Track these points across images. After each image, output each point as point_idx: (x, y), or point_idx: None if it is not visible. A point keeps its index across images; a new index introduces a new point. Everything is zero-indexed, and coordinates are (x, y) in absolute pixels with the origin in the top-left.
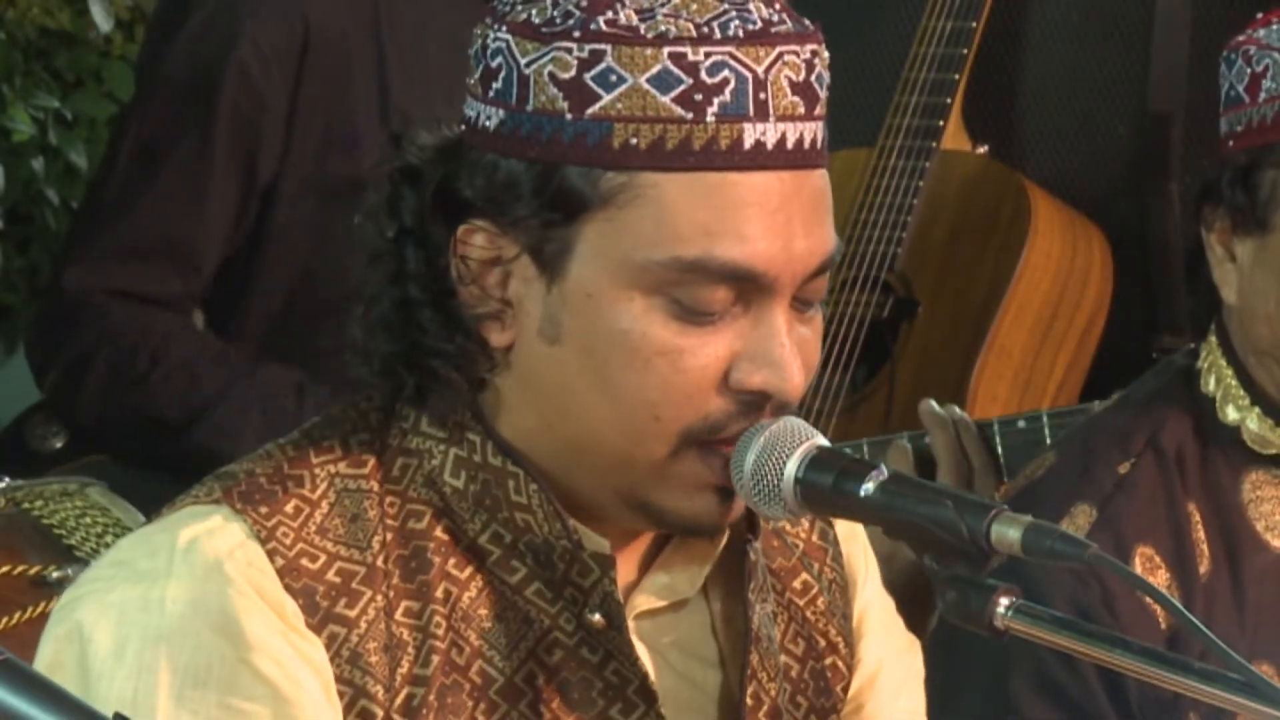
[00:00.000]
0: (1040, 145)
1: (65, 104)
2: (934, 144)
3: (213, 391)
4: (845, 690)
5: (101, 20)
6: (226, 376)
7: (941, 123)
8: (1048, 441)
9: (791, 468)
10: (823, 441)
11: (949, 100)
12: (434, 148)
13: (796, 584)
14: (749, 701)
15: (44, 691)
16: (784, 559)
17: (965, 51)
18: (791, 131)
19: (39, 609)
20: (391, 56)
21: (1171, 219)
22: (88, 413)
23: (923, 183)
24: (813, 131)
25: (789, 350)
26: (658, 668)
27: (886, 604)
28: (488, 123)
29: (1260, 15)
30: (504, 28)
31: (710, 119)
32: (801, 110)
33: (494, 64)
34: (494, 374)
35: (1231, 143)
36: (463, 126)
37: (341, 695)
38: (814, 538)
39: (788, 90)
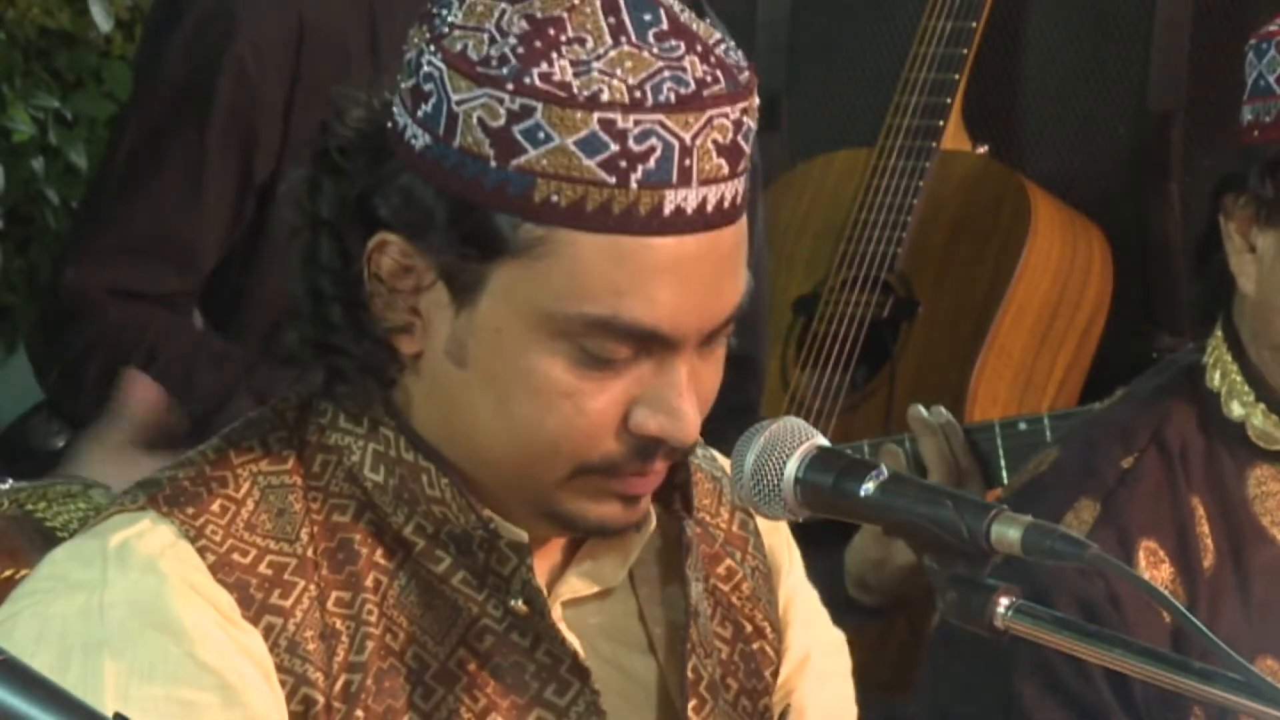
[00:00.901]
0: (1040, 145)
1: (65, 104)
2: (934, 144)
3: (208, 392)
4: (775, 675)
5: (101, 20)
6: (223, 377)
7: (941, 123)
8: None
9: (791, 468)
10: (823, 441)
11: (949, 100)
12: (359, 134)
13: (720, 570)
14: (690, 675)
15: (44, 691)
16: (706, 546)
17: (965, 51)
18: (713, 194)
19: None
20: (387, 53)
21: (1171, 219)
22: (87, 411)
23: (923, 183)
24: (734, 189)
25: (687, 400)
26: (586, 655)
27: (812, 596)
28: (414, 141)
29: None
30: (439, 54)
31: (633, 185)
32: (725, 172)
33: (425, 87)
34: (403, 375)
35: (1257, 133)
36: (390, 124)
37: (283, 684)
38: (734, 527)
39: (713, 154)
